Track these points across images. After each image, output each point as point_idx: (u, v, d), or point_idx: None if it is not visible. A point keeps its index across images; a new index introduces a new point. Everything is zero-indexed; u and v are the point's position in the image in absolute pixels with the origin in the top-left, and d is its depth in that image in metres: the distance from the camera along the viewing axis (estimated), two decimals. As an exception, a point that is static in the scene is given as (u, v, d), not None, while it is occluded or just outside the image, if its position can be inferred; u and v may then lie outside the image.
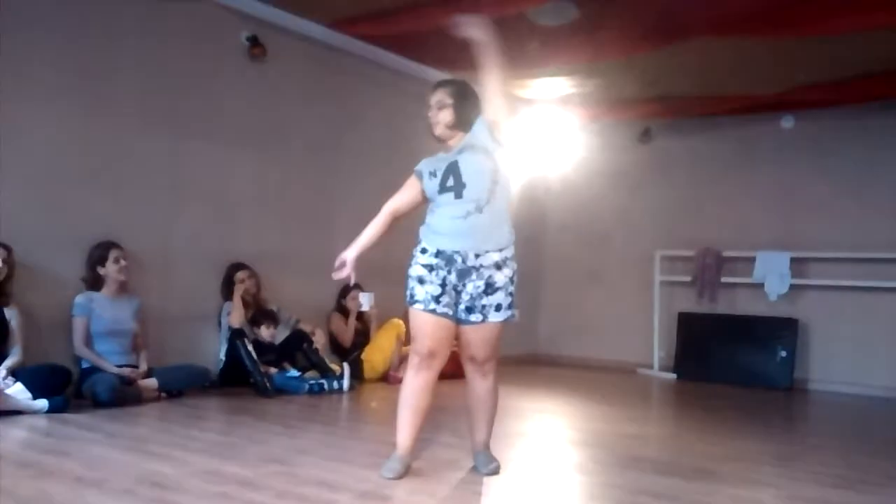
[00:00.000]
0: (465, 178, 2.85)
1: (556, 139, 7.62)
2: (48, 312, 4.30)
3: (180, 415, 4.03)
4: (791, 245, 6.88)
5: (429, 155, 3.06)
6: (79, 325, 4.32)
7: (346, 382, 5.15)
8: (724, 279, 7.23)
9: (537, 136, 7.47)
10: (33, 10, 4.31)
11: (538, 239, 8.20)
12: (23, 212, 4.23)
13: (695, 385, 6.79)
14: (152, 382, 4.40)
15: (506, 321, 2.92)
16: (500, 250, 2.88)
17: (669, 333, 7.41)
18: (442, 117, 2.97)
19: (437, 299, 2.85)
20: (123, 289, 4.53)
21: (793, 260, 6.83)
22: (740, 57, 5.68)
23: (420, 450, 3.11)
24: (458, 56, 3.53)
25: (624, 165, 7.72)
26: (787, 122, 7.02)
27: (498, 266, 2.87)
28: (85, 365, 4.30)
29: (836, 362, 6.74)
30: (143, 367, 4.47)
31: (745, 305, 7.19)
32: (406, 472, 2.86)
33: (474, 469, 3.03)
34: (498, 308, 2.88)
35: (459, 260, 2.84)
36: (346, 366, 5.36)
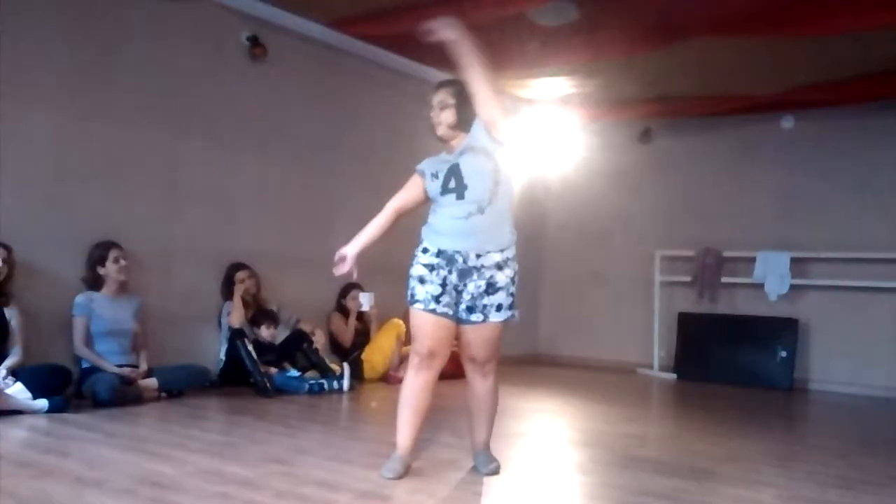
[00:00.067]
0: (466, 180, 2.85)
1: (556, 139, 7.62)
2: (48, 312, 4.30)
3: (180, 415, 4.03)
4: (791, 245, 6.88)
5: (429, 155, 3.05)
6: (79, 324, 4.32)
7: (346, 382, 5.15)
8: (724, 279, 7.23)
9: (537, 136, 7.47)
10: (33, 10, 4.31)
11: (538, 239, 8.20)
12: (23, 212, 4.24)
13: (695, 385, 6.78)
14: (152, 382, 4.40)
15: (506, 321, 2.92)
16: (502, 250, 2.88)
17: (669, 333, 7.41)
18: (444, 118, 2.95)
19: (437, 299, 2.85)
20: (123, 289, 4.53)
21: (793, 260, 6.83)
22: (740, 57, 5.68)
23: (420, 450, 3.11)
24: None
25: (624, 165, 7.72)
26: (787, 122, 7.02)
27: (499, 266, 2.87)
28: (85, 365, 4.30)
29: (836, 362, 6.73)
30: (144, 366, 4.47)
31: (745, 305, 7.18)
32: (406, 472, 2.86)
33: (474, 469, 3.03)
34: (499, 308, 2.88)
35: (460, 260, 2.84)
36: (346, 366, 5.36)
